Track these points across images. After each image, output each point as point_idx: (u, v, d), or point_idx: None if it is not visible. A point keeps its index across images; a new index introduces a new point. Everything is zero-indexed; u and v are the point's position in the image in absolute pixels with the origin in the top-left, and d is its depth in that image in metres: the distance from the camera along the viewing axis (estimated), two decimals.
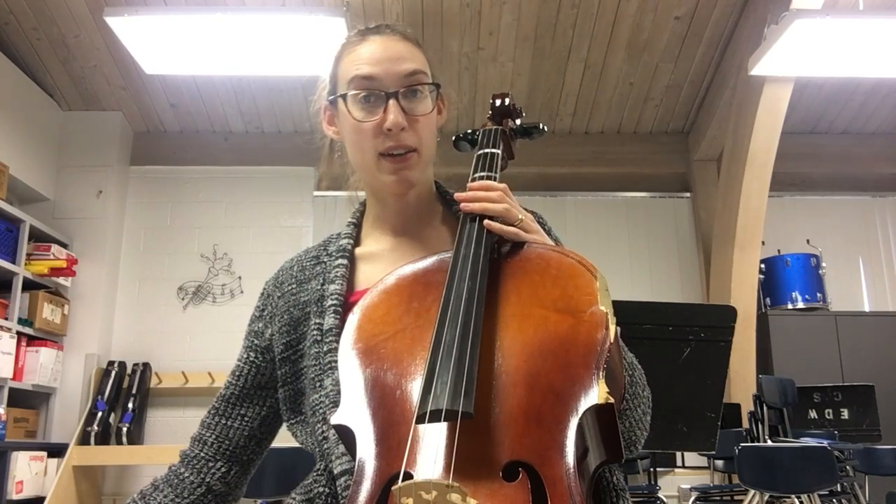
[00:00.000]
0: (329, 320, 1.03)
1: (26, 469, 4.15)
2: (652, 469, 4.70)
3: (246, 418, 1.12)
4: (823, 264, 5.28)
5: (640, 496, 4.27)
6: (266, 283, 1.18)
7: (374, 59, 1.05)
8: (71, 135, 5.12)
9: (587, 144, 5.63)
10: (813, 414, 4.35)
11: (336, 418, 0.86)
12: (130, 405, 4.70)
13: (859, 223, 5.71)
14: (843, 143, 5.75)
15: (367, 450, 0.81)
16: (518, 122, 1.22)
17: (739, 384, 4.77)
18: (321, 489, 0.97)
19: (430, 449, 0.77)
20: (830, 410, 4.31)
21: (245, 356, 1.14)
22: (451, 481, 0.69)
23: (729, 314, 2.19)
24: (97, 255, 4.93)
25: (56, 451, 4.43)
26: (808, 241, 5.49)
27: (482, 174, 1.05)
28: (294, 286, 1.12)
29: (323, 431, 0.97)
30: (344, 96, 1.07)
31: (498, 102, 1.22)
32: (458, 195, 1.03)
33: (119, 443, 4.59)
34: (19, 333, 4.33)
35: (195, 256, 5.20)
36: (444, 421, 0.75)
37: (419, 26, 4.66)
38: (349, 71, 1.07)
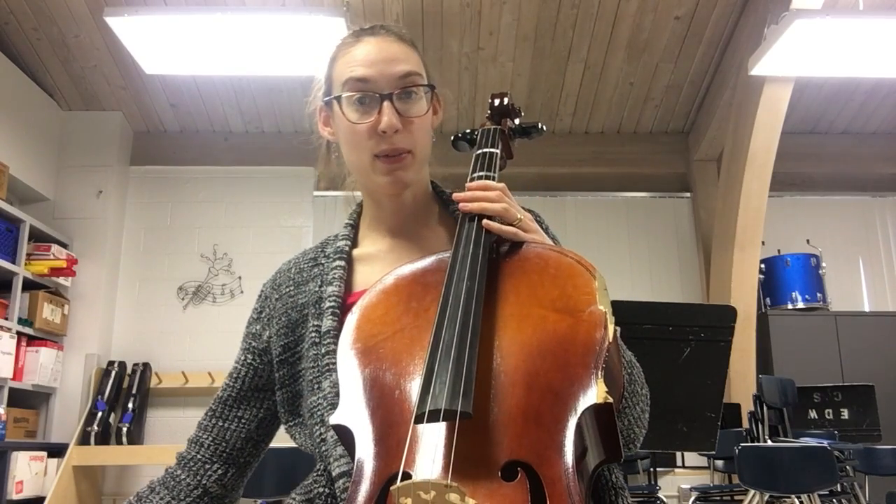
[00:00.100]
0: (327, 322, 1.03)
1: (26, 469, 4.15)
2: (652, 469, 4.70)
3: (243, 420, 1.12)
4: (823, 264, 5.27)
5: (640, 496, 4.27)
6: (264, 285, 1.17)
7: (368, 61, 1.05)
8: (71, 135, 5.12)
9: (587, 144, 5.63)
10: (813, 414, 4.35)
11: (335, 418, 0.86)
12: (130, 405, 4.70)
13: (859, 223, 5.71)
14: (843, 143, 5.75)
15: (365, 450, 0.81)
16: (517, 121, 1.22)
17: (739, 384, 4.77)
18: (321, 489, 0.97)
19: (429, 449, 0.77)
20: (830, 410, 4.31)
21: (242, 358, 1.13)
22: (449, 481, 0.69)
23: (729, 314, 2.19)
24: (97, 255, 4.94)
25: (56, 451, 4.43)
26: (808, 241, 5.49)
27: (481, 174, 1.05)
28: (292, 288, 1.12)
29: (321, 434, 0.97)
30: (338, 98, 1.06)
31: (497, 102, 1.22)
32: (456, 195, 1.03)
33: (119, 443, 4.59)
34: (19, 333, 4.33)
35: (195, 256, 5.20)
36: (443, 421, 0.75)
37: (419, 26, 4.66)
38: (343, 73, 1.07)
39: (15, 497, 4.03)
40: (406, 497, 0.68)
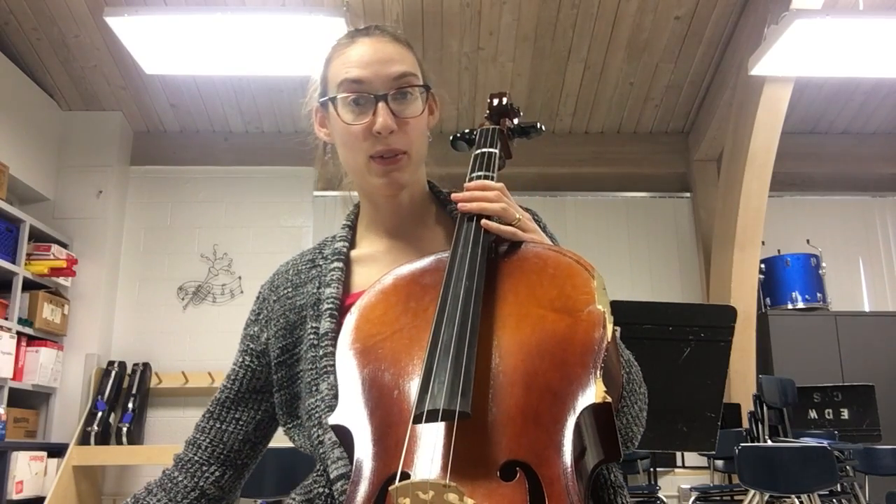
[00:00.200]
0: (325, 324, 1.03)
1: (26, 469, 4.15)
2: (652, 469, 4.70)
3: (241, 422, 1.11)
4: (823, 264, 5.27)
5: (640, 496, 4.27)
6: (262, 286, 1.17)
7: (362, 62, 1.05)
8: (71, 135, 5.12)
9: (587, 144, 5.63)
10: (813, 414, 4.35)
11: (333, 419, 0.86)
12: (130, 405, 4.70)
13: (859, 223, 5.71)
14: (843, 143, 5.75)
15: (364, 450, 0.81)
16: (516, 121, 1.22)
17: (739, 384, 4.77)
18: (321, 490, 0.97)
19: (428, 449, 0.77)
20: (830, 410, 4.31)
21: (240, 360, 1.13)
22: (448, 481, 0.69)
23: (729, 314, 2.19)
24: (97, 255, 4.94)
25: (56, 451, 4.43)
26: (808, 241, 5.49)
27: (479, 174, 1.05)
28: (290, 290, 1.11)
29: (319, 436, 0.97)
30: (333, 99, 1.06)
31: (495, 102, 1.22)
32: (454, 195, 1.03)
33: (119, 443, 4.59)
34: (19, 333, 4.33)
35: (195, 256, 5.20)
36: (442, 421, 0.75)
37: (419, 26, 4.66)
38: (338, 74, 1.06)
39: (15, 497, 4.03)
40: (404, 497, 0.68)
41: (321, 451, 0.97)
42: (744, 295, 4.86)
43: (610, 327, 0.81)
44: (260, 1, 4.39)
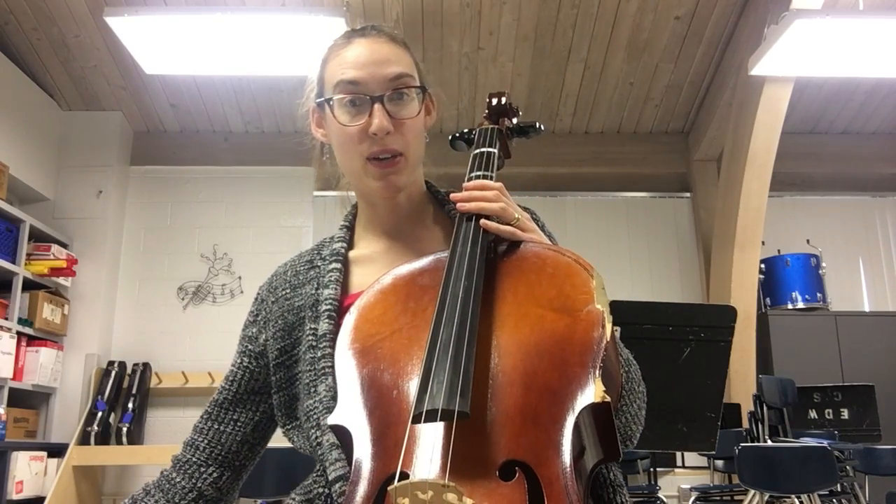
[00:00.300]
0: (323, 325, 1.02)
1: (26, 469, 4.15)
2: (652, 469, 4.70)
3: (239, 423, 1.11)
4: (823, 264, 5.27)
5: (640, 496, 4.27)
6: (260, 287, 1.17)
7: (358, 63, 1.05)
8: (71, 135, 5.12)
9: (587, 144, 5.63)
10: (813, 414, 4.35)
11: (332, 419, 0.86)
12: (130, 405, 4.70)
13: (859, 223, 5.71)
14: (843, 143, 5.75)
15: (363, 450, 0.81)
16: (515, 120, 1.21)
17: (739, 384, 4.77)
18: (321, 490, 0.97)
19: (427, 449, 0.77)
20: (830, 410, 4.31)
21: (238, 361, 1.13)
22: (447, 481, 0.69)
23: (729, 314, 2.19)
24: (97, 255, 4.94)
25: (56, 451, 4.43)
26: (808, 241, 5.49)
27: (478, 173, 1.05)
28: (288, 291, 1.11)
29: (317, 437, 0.97)
30: (330, 100, 1.06)
31: (494, 101, 1.22)
32: (453, 195, 1.02)
33: (119, 443, 4.59)
34: (19, 333, 4.33)
35: (195, 256, 5.20)
36: (441, 420, 0.75)
37: (419, 26, 4.66)
38: (335, 75, 1.06)
39: (15, 497, 4.03)
40: (403, 497, 0.68)
41: (319, 452, 0.96)
42: (744, 295, 4.86)
43: (609, 327, 0.81)
44: (260, 1, 4.39)
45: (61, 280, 4.73)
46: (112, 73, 4.90)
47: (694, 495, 4.30)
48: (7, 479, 3.99)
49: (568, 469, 0.71)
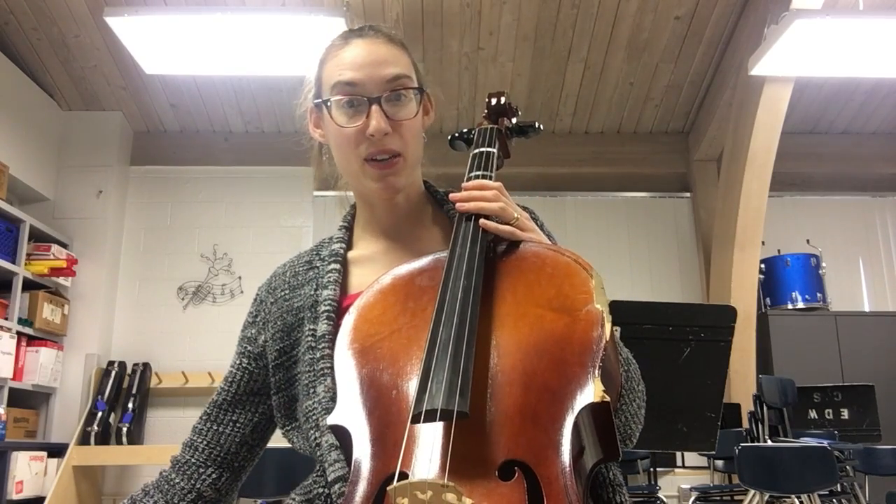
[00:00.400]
0: (322, 326, 1.02)
1: (26, 469, 4.15)
2: (652, 469, 4.70)
3: (238, 424, 1.11)
4: (823, 264, 5.27)
5: (640, 496, 4.27)
6: (259, 288, 1.17)
7: (356, 64, 1.04)
8: (71, 135, 5.12)
9: (587, 144, 5.63)
10: (813, 414, 4.35)
11: (332, 419, 0.86)
12: (130, 405, 4.70)
13: (859, 223, 5.71)
14: (843, 143, 5.75)
15: (362, 450, 0.81)
16: (514, 120, 1.21)
17: (739, 384, 4.77)
18: (321, 490, 0.97)
19: (426, 448, 0.77)
20: (830, 410, 4.31)
21: (238, 362, 1.13)
22: (446, 481, 0.69)
23: (729, 314, 2.19)
24: (97, 255, 4.93)
25: (56, 451, 4.43)
26: (808, 241, 5.49)
27: (477, 173, 1.05)
28: (287, 292, 1.11)
29: (316, 438, 0.97)
30: (327, 102, 1.06)
31: (493, 101, 1.22)
32: (452, 195, 1.02)
33: (119, 443, 4.59)
34: (19, 333, 4.33)
35: (195, 256, 5.20)
36: (440, 420, 0.75)
37: (419, 26, 4.66)
38: (332, 76, 1.06)
39: (15, 497, 4.03)
40: (403, 497, 0.68)
41: (318, 453, 0.96)
42: (744, 295, 4.86)
43: (608, 326, 0.81)
44: (260, 1, 4.39)
45: (61, 280, 4.73)
46: (112, 73, 4.90)
47: (694, 495, 4.30)
48: (7, 479, 3.99)
49: (567, 469, 0.71)
